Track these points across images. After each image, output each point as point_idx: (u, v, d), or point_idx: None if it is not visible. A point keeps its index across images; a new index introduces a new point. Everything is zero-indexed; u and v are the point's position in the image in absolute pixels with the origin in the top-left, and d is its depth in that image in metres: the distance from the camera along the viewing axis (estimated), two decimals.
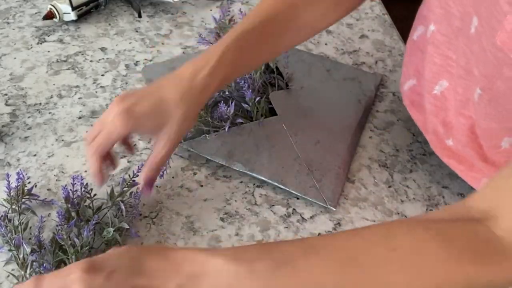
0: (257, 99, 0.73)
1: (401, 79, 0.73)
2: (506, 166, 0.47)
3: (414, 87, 0.69)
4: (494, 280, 0.43)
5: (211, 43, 0.81)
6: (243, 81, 0.73)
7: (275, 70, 0.77)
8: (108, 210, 0.63)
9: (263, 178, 0.68)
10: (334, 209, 0.67)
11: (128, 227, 0.61)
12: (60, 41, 0.87)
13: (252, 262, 0.42)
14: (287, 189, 0.68)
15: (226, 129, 0.71)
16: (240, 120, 0.73)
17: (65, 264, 0.57)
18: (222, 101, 0.72)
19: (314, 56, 0.86)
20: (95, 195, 0.64)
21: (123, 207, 0.61)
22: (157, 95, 0.57)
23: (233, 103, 0.71)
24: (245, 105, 0.73)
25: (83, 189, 0.63)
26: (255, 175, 0.69)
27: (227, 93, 0.74)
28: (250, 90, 0.72)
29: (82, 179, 0.62)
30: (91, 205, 0.63)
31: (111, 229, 0.59)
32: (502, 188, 0.46)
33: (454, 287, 0.43)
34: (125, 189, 0.64)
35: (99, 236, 0.60)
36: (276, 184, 0.68)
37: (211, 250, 0.44)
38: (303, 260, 0.42)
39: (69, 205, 0.62)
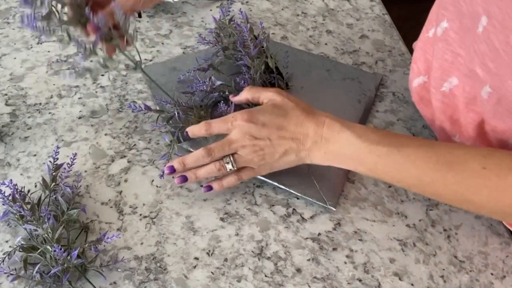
0: None
1: (410, 75, 0.73)
2: None
3: (424, 84, 0.70)
4: None
5: (211, 43, 0.81)
6: (243, 81, 0.73)
7: (275, 70, 0.77)
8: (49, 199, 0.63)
9: (263, 178, 0.68)
10: (334, 209, 0.67)
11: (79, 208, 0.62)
12: (60, 41, 0.87)
13: (372, 143, 0.58)
14: (287, 189, 0.68)
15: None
16: None
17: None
18: (221, 101, 0.72)
19: (314, 56, 0.86)
20: (29, 191, 0.64)
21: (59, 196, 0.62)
22: None
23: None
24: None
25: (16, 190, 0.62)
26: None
27: (227, 92, 0.74)
28: None
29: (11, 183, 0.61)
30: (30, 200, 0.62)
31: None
32: None
33: None
34: (53, 174, 0.64)
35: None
36: (276, 184, 0.68)
37: (346, 123, 0.61)
38: (413, 151, 0.56)
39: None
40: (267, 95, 0.65)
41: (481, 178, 0.53)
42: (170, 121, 0.71)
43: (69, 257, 0.56)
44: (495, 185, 0.52)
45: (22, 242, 0.60)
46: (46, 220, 0.58)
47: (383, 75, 0.84)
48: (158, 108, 0.73)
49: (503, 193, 0.52)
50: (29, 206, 0.60)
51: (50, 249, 0.57)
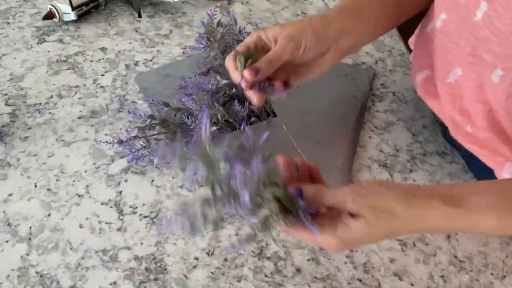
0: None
1: (412, 71, 0.74)
2: None
3: (428, 77, 0.70)
4: None
5: (201, 49, 0.79)
6: None
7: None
8: None
9: None
10: None
11: None
12: (60, 41, 0.87)
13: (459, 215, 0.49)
14: None
15: (242, 128, 0.72)
16: (253, 119, 0.73)
17: None
18: (236, 100, 0.72)
19: None
20: None
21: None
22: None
23: (247, 102, 0.71)
24: (252, 107, 0.74)
25: None
26: None
27: (234, 90, 0.74)
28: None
29: None
30: None
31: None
32: None
33: None
34: None
35: None
36: None
37: (423, 209, 0.49)
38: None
39: None
40: (352, 209, 0.50)
41: None
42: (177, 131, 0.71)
43: None
44: None
45: None
46: None
47: (374, 70, 0.84)
48: (156, 113, 0.73)
49: None
50: None
51: None
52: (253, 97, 0.60)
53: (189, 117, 0.70)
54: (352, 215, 0.49)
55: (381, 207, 0.48)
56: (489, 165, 0.66)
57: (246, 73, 0.59)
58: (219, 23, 0.79)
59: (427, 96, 0.72)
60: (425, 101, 0.73)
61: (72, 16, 0.88)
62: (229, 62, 0.61)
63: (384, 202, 0.48)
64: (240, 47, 0.61)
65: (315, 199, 0.50)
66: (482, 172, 0.68)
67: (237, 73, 0.60)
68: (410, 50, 0.86)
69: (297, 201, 0.50)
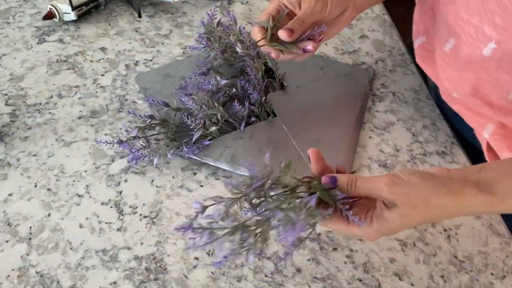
0: (263, 98, 0.74)
1: (412, 36, 0.77)
2: None
3: (423, 44, 0.74)
4: None
5: (201, 49, 0.79)
6: (247, 83, 0.74)
7: (275, 69, 0.77)
8: None
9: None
10: None
11: None
12: (60, 41, 0.87)
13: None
14: None
15: (242, 128, 0.72)
16: (253, 119, 0.73)
17: None
18: (236, 100, 0.72)
19: None
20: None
21: None
22: None
23: (247, 102, 0.71)
24: (252, 107, 0.74)
25: None
26: None
27: (234, 90, 0.74)
28: (256, 91, 0.73)
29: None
30: None
31: None
32: None
33: None
34: None
35: None
36: None
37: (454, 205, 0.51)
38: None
39: None
40: (387, 198, 0.51)
41: None
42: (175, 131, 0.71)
43: None
44: None
45: None
46: None
47: (374, 70, 0.84)
48: (156, 114, 0.73)
49: None
50: None
51: None
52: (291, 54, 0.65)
53: (189, 117, 0.70)
54: (386, 205, 0.51)
55: (417, 198, 0.49)
56: (471, 125, 0.71)
57: (282, 34, 0.62)
58: (219, 23, 0.79)
59: (423, 62, 0.76)
60: (421, 67, 0.77)
61: (72, 16, 0.88)
62: (255, 34, 0.64)
63: (420, 193, 0.50)
64: (262, 16, 0.64)
65: (349, 189, 0.51)
66: (464, 131, 0.75)
67: (264, 41, 0.63)
68: (410, 50, 0.86)
69: (334, 192, 0.50)
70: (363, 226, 0.51)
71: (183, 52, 0.86)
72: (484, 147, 0.72)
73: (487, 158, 0.73)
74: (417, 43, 0.76)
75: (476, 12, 0.60)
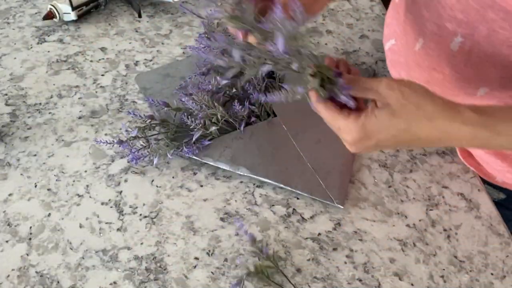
0: (263, 99, 0.74)
1: (383, 40, 0.79)
2: None
3: (392, 46, 0.75)
4: None
5: (209, 45, 0.80)
6: (248, 84, 0.74)
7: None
8: None
9: (269, 181, 0.68)
10: (342, 207, 0.67)
11: None
12: (60, 41, 0.87)
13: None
14: (293, 190, 0.68)
15: (242, 128, 0.72)
16: (253, 119, 0.73)
17: None
18: (236, 100, 0.72)
19: None
20: None
21: None
22: None
23: (247, 102, 0.71)
24: (252, 107, 0.74)
25: None
26: (260, 178, 0.69)
27: (234, 90, 0.74)
28: (256, 91, 0.73)
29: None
30: None
31: None
32: None
33: None
34: None
35: None
36: (281, 185, 0.68)
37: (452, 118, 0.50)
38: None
39: None
40: (382, 93, 0.51)
41: None
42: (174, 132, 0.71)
43: None
44: None
45: None
46: None
47: (374, 70, 0.84)
48: (156, 114, 0.73)
49: None
50: None
51: None
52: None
53: (189, 117, 0.70)
54: (377, 106, 0.51)
55: (410, 98, 0.50)
56: None
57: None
58: (219, 23, 0.79)
59: (391, 66, 0.77)
60: (389, 70, 0.78)
61: (72, 16, 0.88)
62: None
63: (415, 95, 0.50)
64: None
65: (352, 81, 0.52)
66: None
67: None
68: None
69: (335, 77, 0.52)
70: (353, 105, 0.52)
71: (183, 52, 0.86)
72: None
73: (460, 156, 0.74)
74: (387, 46, 0.77)
75: (434, 10, 0.61)
